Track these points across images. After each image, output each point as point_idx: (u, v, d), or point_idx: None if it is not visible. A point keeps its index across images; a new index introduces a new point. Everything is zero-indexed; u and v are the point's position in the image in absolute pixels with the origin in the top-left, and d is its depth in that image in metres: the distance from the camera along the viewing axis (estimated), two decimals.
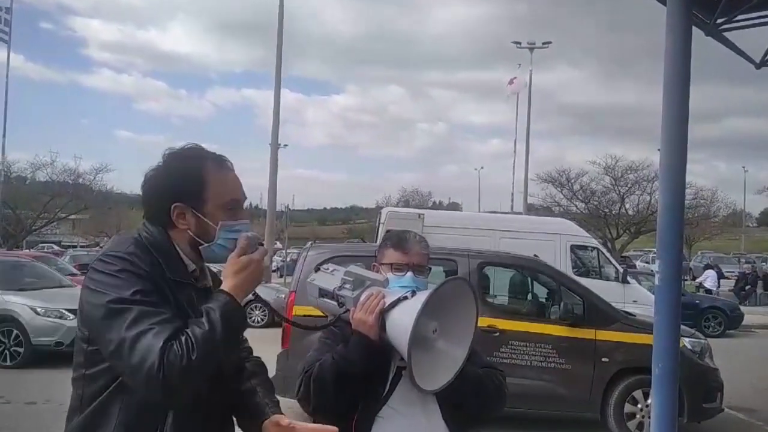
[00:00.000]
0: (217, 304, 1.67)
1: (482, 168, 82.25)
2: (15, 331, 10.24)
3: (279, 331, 7.30)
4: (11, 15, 31.16)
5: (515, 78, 35.63)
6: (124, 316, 1.59)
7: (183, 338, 1.58)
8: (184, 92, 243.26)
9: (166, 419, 1.69)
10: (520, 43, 35.90)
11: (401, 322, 1.91)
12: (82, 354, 1.73)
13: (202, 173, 1.81)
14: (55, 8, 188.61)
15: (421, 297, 1.92)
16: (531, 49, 35.56)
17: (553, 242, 13.54)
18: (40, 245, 43.96)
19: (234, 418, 1.98)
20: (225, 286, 1.73)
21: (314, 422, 2.28)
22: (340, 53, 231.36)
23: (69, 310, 10.09)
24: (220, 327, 1.63)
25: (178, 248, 1.81)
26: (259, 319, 15.35)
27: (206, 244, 1.81)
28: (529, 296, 8.39)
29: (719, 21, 4.86)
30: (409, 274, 2.21)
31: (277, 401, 1.98)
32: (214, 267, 1.99)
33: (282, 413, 1.91)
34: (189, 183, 1.80)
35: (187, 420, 1.72)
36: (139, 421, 1.68)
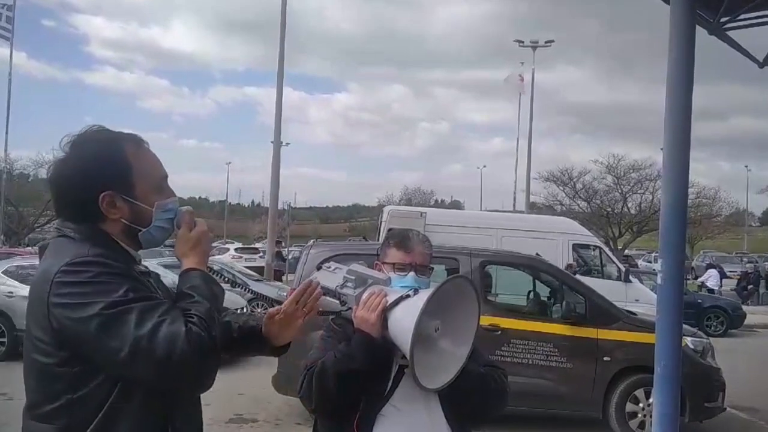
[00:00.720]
0: (198, 281, 1.67)
1: (484, 167, 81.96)
2: None
3: None
4: (14, 12, 31.17)
5: (520, 76, 35.60)
6: (127, 318, 1.51)
7: (195, 320, 1.56)
8: (186, 90, 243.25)
9: (173, 416, 1.67)
10: (522, 42, 35.91)
11: (403, 321, 1.91)
12: (63, 379, 1.58)
13: (124, 155, 1.69)
14: (57, 6, 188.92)
15: (424, 295, 1.92)
16: (533, 48, 35.56)
17: (556, 241, 13.55)
18: (42, 242, 44.04)
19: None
20: (190, 263, 1.71)
21: (316, 420, 2.29)
22: (342, 51, 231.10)
23: None
24: (212, 300, 1.66)
25: (117, 240, 1.70)
26: None
27: (144, 229, 1.72)
28: (531, 295, 8.38)
29: (723, 20, 4.86)
30: (412, 274, 2.21)
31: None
32: None
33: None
34: (113, 168, 1.67)
35: (188, 409, 1.73)
36: (148, 426, 1.63)
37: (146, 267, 1.80)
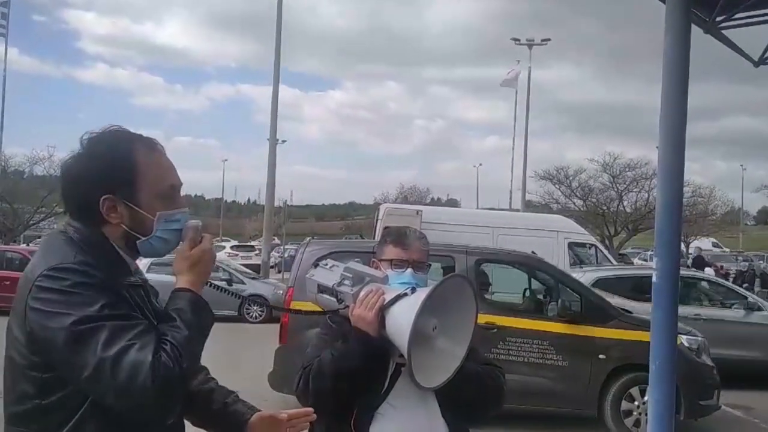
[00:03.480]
0: (186, 304, 1.57)
1: (480, 165, 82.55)
2: None
3: (277, 327, 7.30)
4: (9, 9, 31.03)
5: (513, 72, 35.67)
6: (96, 337, 1.44)
7: (168, 347, 1.47)
8: (179, 87, 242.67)
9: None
10: (518, 40, 35.97)
11: (401, 319, 1.91)
12: (33, 383, 1.53)
13: (132, 158, 1.63)
14: (49, 0, 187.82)
15: (421, 294, 1.92)
16: (530, 46, 35.60)
17: (551, 239, 13.57)
18: (38, 240, 43.91)
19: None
20: (184, 282, 1.61)
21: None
22: (337, 49, 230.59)
23: None
24: (195, 327, 1.55)
25: (116, 246, 1.65)
26: (257, 315, 15.36)
27: (143, 239, 1.65)
28: (527, 293, 8.40)
29: (718, 19, 4.86)
30: (409, 270, 2.21)
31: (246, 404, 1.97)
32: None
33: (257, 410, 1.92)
34: (119, 170, 1.62)
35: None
36: None
37: (140, 279, 1.71)
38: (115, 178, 1.62)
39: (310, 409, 1.95)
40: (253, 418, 1.89)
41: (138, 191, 1.63)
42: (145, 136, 1.71)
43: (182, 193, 1.75)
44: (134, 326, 1.48)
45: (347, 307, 2.07)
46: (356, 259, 2.22)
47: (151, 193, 1.64)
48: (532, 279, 8.23)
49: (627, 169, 37.31)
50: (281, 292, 13.42)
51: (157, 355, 1.44)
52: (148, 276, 1.94)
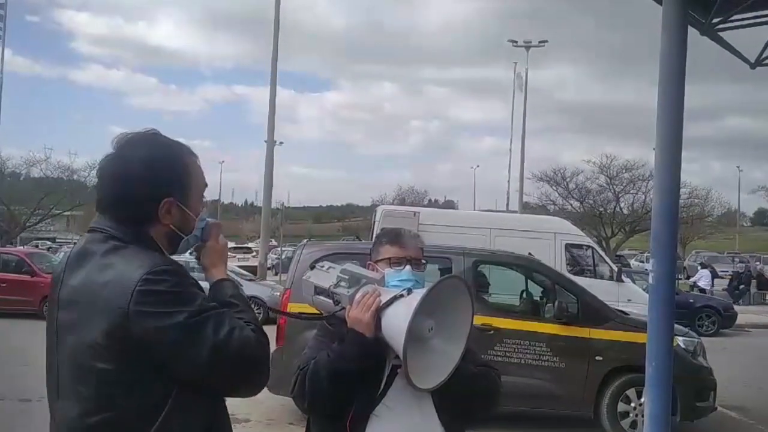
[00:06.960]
0: (235, 292, 1.78)
1: (478, 167, 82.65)
2: None
3: (274, 328, 7.30)
4: (5, 10, 30.97)
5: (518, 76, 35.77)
6: (206, 326, 1.57)
7: (254, 326, 1.67)
8: (174, 87, 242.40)
9: (214, 424, 1.73)
10: (516, 42, 36.02)
11: (397, 321, 1.91)
12: (121, 386, 1.58)
13: (185, 162, 1.74)
14: (42, 0, 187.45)
15: (417, 295, 1.92)
16: (527, 48, 35.64)
17: (548, 241, 13.57)
18: (35, 242, 43.86)
19: None
20: (221, 273, 1.82)
21: (309, 420, 2.28)
22: (332, 49, 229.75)
23: None
24: (249, 308, 1.77)
25: (159, 244, 1.72)
26: None
27: (185, 237, 1.77)
28: (524, 294, 8.40)
29: (714, 21, 4.88)
30: (408, 267, 2.22)
31: None
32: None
33: None
34: (178, 174, 1.71)
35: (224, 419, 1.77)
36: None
37: None
38: (175, 181, 1.71)
39: None
40: None
41: (189, 194, 1.74)
42: (179, 141, 1.80)
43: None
44: (226, 314, 1.64)
45: (344, 308, 2.08)
46: (353, 261, 2.22)
47: (196, 194, 1.77)
48: (529, 281, 8.23)
49: (624, 171, 37.46)
50: (278, 294, 13.40)
51: (256, 333, 1.65)
52: None
